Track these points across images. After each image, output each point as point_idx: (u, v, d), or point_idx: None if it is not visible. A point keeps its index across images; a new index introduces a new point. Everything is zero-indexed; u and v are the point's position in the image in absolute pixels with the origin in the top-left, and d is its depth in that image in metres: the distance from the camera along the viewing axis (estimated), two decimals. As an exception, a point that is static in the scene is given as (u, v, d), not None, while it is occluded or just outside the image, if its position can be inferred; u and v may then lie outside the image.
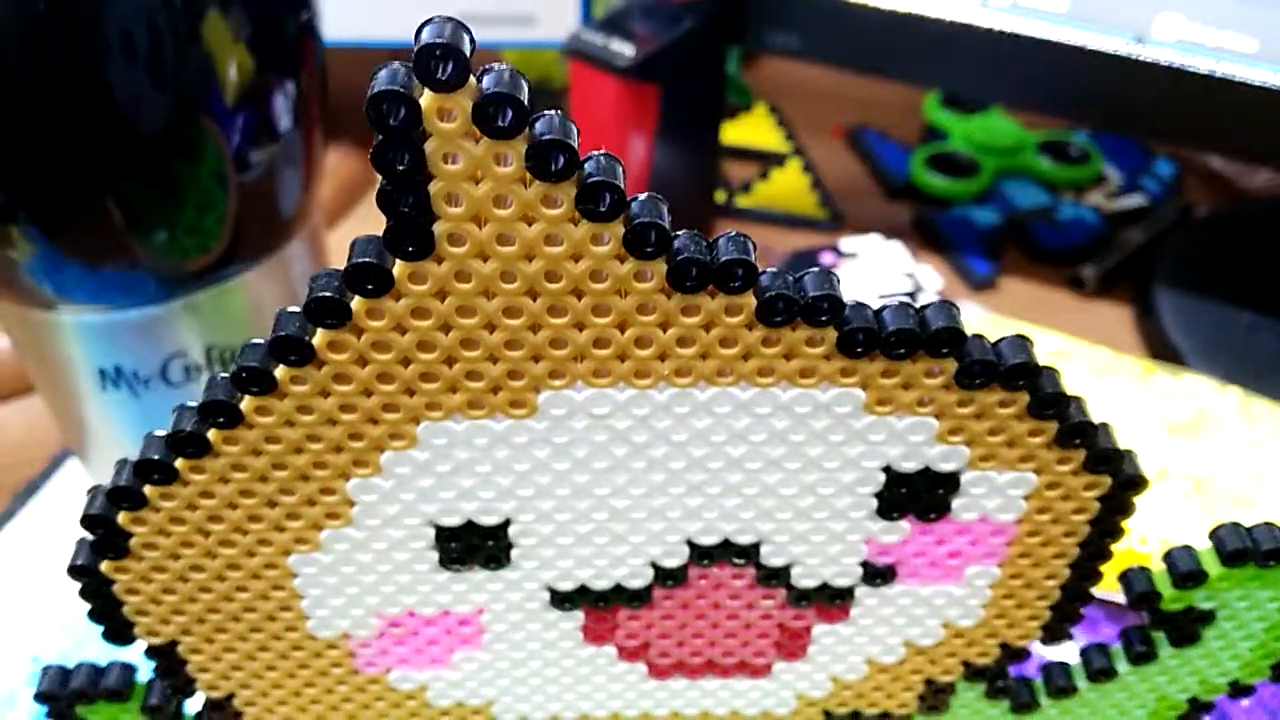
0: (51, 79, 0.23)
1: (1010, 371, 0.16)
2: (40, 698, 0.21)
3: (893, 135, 0.57)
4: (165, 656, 0.20)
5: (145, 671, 0.21)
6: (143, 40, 0.23)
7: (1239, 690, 0.22)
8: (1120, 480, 0.18)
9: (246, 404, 0.16)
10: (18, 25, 0.22)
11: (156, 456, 0.17)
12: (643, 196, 0.14)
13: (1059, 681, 0.22)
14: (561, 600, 0.20)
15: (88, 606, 0.19)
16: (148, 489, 0.17)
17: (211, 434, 0.16)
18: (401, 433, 0.17)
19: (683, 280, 0.14)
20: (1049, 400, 0.16)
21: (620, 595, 0.20)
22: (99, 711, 0.21)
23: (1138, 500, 0.18)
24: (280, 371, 0.16)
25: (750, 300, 0.15)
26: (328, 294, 0.14)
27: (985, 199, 0.53)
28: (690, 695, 0.22)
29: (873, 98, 0.60)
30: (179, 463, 0.17)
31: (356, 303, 0.15)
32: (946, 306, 0.16)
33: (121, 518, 0.17)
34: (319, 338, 0.15)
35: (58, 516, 0.36)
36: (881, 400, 0.17)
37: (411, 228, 0.14)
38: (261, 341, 0.15)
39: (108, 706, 0.21)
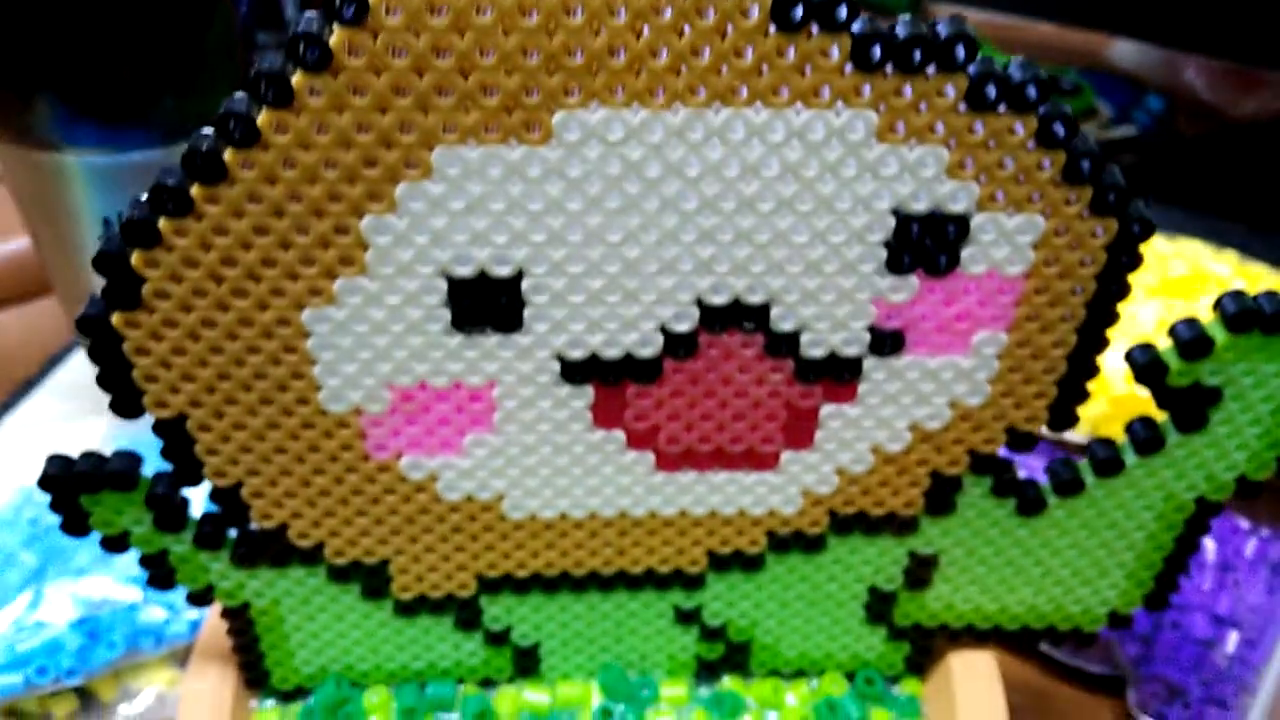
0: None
1: (1019, 87, 0.16)
2: (43, 483, 0.21)
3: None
4: (173, 433, 0.20)
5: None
6: None
7: (1247, 488, 0.22)
8: (1128, 224, 0.18)
9: (264, 118, 0.16)
10: None
11: (171, 182, 0.17)
12: None
13: (1065, 476, 0.22)
14: (572, 372, 0.20)
15: (97, 372, 0.19)
16: (162, 223, 0.17)
17: (228, 154, 0.16)
18: (417, 159, 0.17)
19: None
20: (1056, 120, 0.17)
21: (630, 368, 0.20)
22: (103, 502, 0.21)
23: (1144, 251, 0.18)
24: (297, 79, 0.16)
25: (764, -2, 0.15)
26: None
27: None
28: (698, 491, 0.22)
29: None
30: (195, 190, 0.17)
31: (373, -3, 0.15)
32: (957, 19, 0.16)
33: (135, 258, 0.17)
34: (335, 38, 0.15)
35: (62, 405, 0.36)
36: (893, 125, 0.17)
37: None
38: (280, 47, 0.15)
39: (112, 496, 0.21)
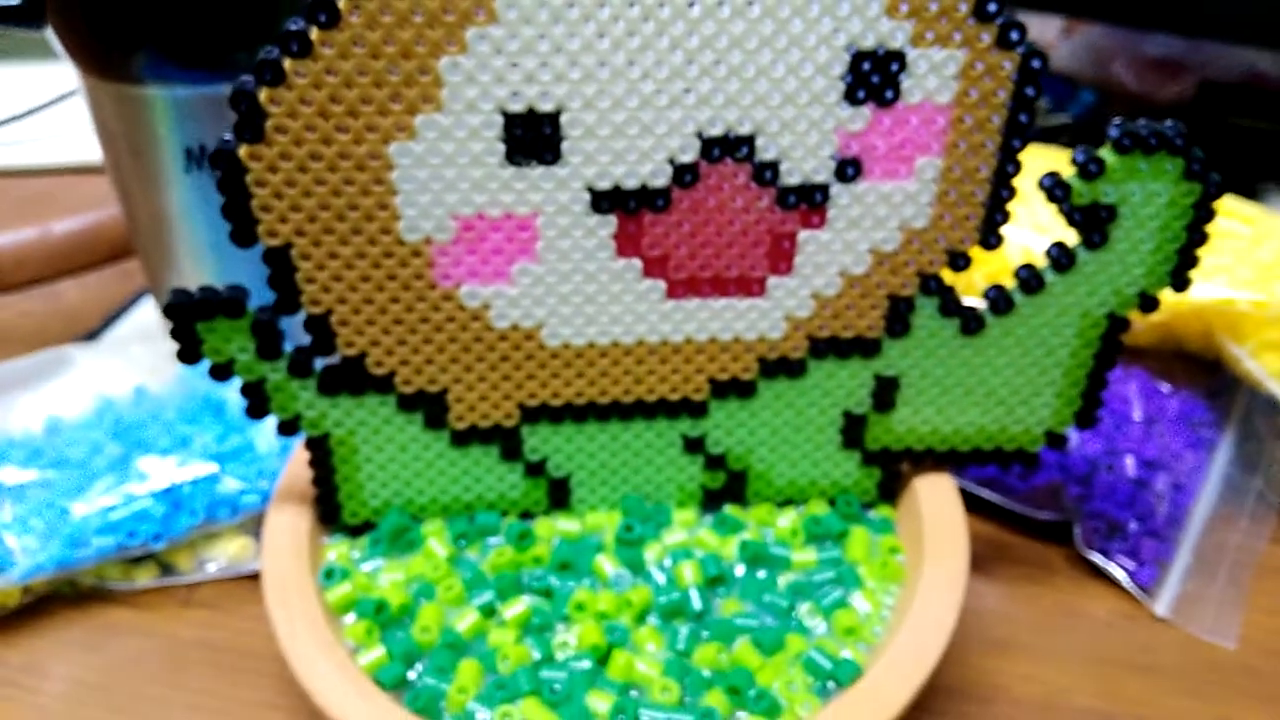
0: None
1: (936, -61, 0.22)
2: (167, 310, 0.25)
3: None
4: (279, 261, 0.25)
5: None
6: None
7: (1147, 302, 0.28)
8: (1027, 55, 0.24)
9: (371, -29, 0.21)
10: None
11: (296, 27, 0.22)
12: None
13: (996, 297, 0.28)
14: (599, 201, 0.25)
15: (223, 201, 0.24)
16: (286, 62, 0.22)
17: (341, 2, 0.22)
18: (484, 6, 0.22)
19: None
20: (966, -35, 0.22)
21: (645, 197, 0.25)
22: (215, 329, 0.26)
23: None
24: (398, -62, 0.21)
25: None
26: None
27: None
28: (700, 318, 0.27)
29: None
30: (314, 33, 0.22)
31: None
32: (887, -112, 0.22)
33: (263, 95, 0.23)
34: (429, -96, 0.21)
35: (130, 347, 0.40)
36: (843, -27, 0.22)
37: None
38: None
39: (223, 324, 0.26)
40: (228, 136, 0.23)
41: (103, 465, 0.33)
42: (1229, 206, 0.38)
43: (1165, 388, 0.36)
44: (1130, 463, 0.34)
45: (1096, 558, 0.34)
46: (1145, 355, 0.37)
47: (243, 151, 0.23)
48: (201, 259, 0.37)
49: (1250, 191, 0.50)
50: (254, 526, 0.34)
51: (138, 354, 0.37)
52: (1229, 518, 0.35)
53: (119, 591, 0.33)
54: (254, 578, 0.33)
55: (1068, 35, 0.70)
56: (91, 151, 0.55)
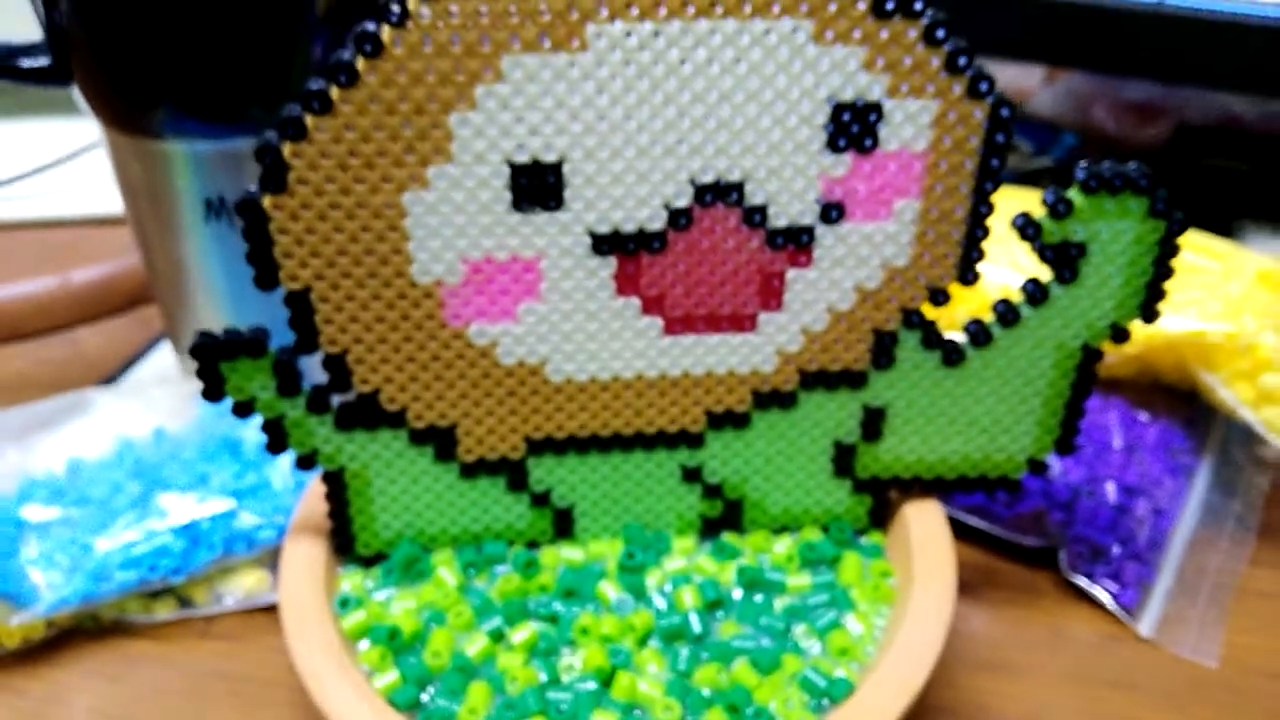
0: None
1: (906, 2, 0.24)
2: (193, 350, 0.27)
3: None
4: (299, 303, 0.27)
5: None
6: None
7: (1119, 333, 0.29)
8: (996, 104, 0.25)
9: (386, 34, 0.23)
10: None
11: (317, 87, 0.24)
12: None
13: (976, 331, 0.29)
14: (600, 244, 0.27)
15: (247, 248, 0.26)
16: (308, 118, 0.24)
17: (360, 63, 0.23)
18: (492, 67, 0.24)
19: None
20: (939, 26, 0.24)
21: (643, 239, 0.27)
22: (238, 368, 0.27)
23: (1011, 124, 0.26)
24: (412, 3, 0.23)
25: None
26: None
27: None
28: (696, 353, 0.29)
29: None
30: (334, 92, 0.24)
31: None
32: (862, -45, 0.23)
33: (286, 149, 0.24)
34: (441, -25, 0.22)
35: (149, 390, 0.42)
36: (824, 32, 0.24)
37: None
38: (401, -17, 0.23)
39: (246, 363, 0.27)
40: (252, 187, 0.25)
41: (124, 503, 0.35)
42: (1200, 243, 0.40)
43: (1144, 417, 0.38)
44: (1111, 489, 0.35)
45: (1081, 581, 0.35)
46: (1124, 386, 0.38)
47: (267, 201, 0.25)
48: (218, 305, 0.38)
49: (1225, 229, 0.52)
50: (269, 560, 0.35)
51: (157, 397, 0.39)
52: (1209, 541, 0.37)
53: (139, 624, 0.34)
54: (270, 610, 0.35)
55: (1049, 82, 0.72)
56: (110, 203, 0.57)
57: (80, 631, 0.34)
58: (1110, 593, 0.35)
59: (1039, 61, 0.64)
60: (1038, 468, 0.32)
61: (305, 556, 0.30)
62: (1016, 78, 0.75)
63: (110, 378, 0.45)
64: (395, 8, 0.23)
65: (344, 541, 0.31)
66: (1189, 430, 0.39)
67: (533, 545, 0.32)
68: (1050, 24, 0.54)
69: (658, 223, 0.27)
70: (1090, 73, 0.66)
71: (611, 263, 0.27)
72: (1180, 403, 0.39)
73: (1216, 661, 0.33)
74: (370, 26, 0.23)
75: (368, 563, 0.31)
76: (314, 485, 0.32)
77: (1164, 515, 0.36)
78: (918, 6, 0.24)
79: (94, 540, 0.33)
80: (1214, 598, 0.35)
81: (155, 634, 0.34)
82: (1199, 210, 0.49)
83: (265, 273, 0.26)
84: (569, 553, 0.32)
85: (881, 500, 0.32)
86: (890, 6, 0.24)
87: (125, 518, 0.34)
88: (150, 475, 0.36)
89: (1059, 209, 0.27)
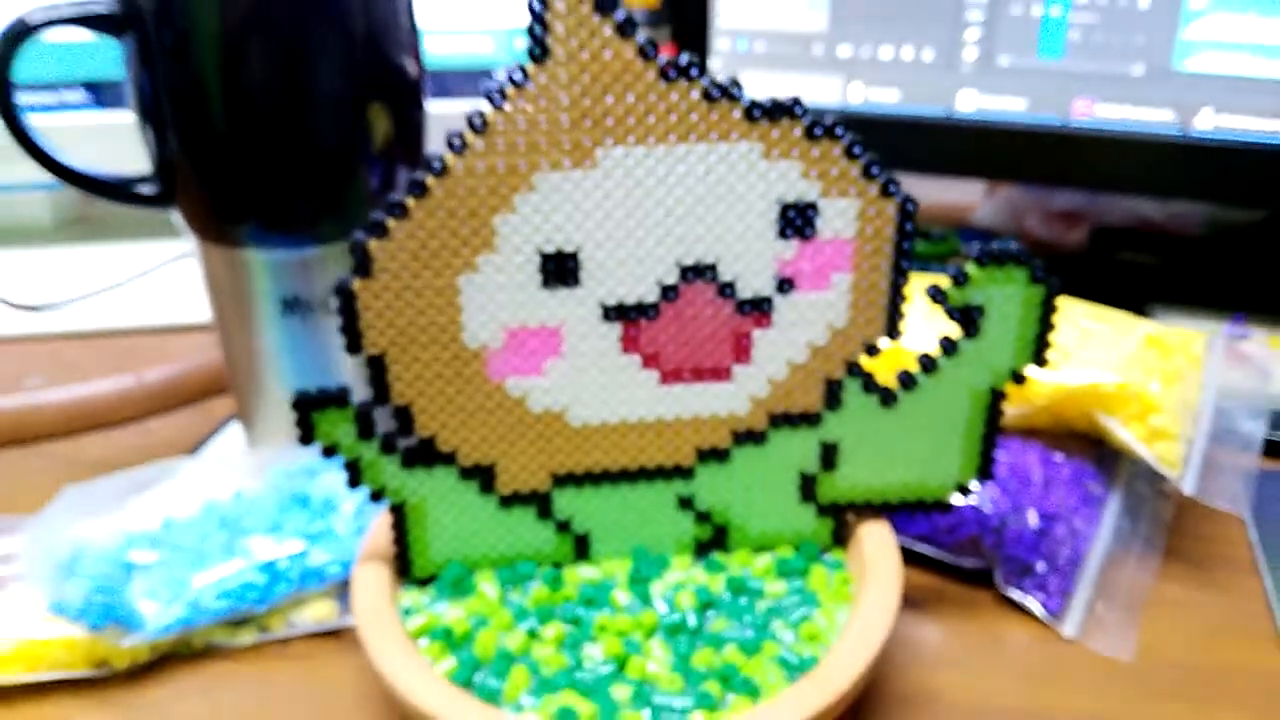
0: (282, 137, 0.41)
1: (832, 128, 0.33)
2: (294, 404, 0.35)
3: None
4: (377, 367, 0.35)
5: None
6: (331, 114, 0.41)
7: (1018, 378, 0.37)
8: (902, 203, 0.34)
9: (449, 158, 0.32)
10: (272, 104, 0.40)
11: (396, 198, 0.32)
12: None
13: (904, 377, 0.37)
14: (608, 313, 0.35)
15: (340, 324, 0.34)
16: (389, 221, 0.32)
17: (429, 179, 0.32)
18: (526, 181, 0.32)
19: (666, 74, 0.31)
20: (855, 145, 0.33)
21: (641, 310, 0.35)
22: (326, 417, 0.35)
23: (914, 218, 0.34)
24: (468, 134, 0.31)
25: (699, 85, 0.31)
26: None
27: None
28: (685, 399, 0.37)
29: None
30: (410, 201, 0.32)
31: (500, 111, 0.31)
32: (795, 97, 0.32)
33: (371, 244, 0.33)
34: (490, 113, 0.31)
35: (227, 458, 0.49)
36: (770, 151, 0.33)
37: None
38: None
39: (333, 412, 0.35)
40: (345, 274, 0.33)
41: (214, 547, 0.42)
42: (1098, 312, 0.49)
43: (1059, 457, 0.45)
44: (1033, 515, 0.43)
45: (1014, 593, 0.42)
46: (1041, 434, 0.46)
47: (356, 284, 0.33)
48: (287, 388, 0.46)
49: (1140, 313, 0.60)
50: (336, 592, 0.42)
51: (234, 463, 0.46)
52: (1121, 559, 0.44)
53: (226, 648, 0.41)
54: (336, 634, 0.41)
55: (990, 195, 0.82)
56: (178, 314, 0.66)
57: (177, 655, 0.41)
58: (1039, 601, 0.42)
59: (977, 177, 0.74)
60: (963, 491, 0.39)
61: (373, 578, 0.37)
62: (963, 194, 0.85)
63: (189, 453, 0.52)
64: (455, 141, 0.31)
65: (403, 565, 0.38)
66: (1099, 467, 0.46)
67: (557, 565, 0.39)
68: (986, 145, 0.63)
69: (652, 296, 0.35)
70: (1022, 185, 0.76)
71: (618, 328, 0.35)
72: (1090, 446, 0.46)
73: (1131, 656, 0.40)
74: (436, 151, 0.32)
75: (422, 583, 0.38)
76: (373, 526, 0.39)
77: (1080, 537, 0.43)
78: (838, 132, 0.33)
79: (190, 576, 0.40)
80: (1127, 604, 0.42)
81: (240, 656, 0.41)
82: (1117, 297, 0.58)
83: (352, 340, 0.34)
84: (587, 571, 0.39)
85: (841, 522, 0.40)
86: (818, 132, 0.33)
87: (216, 558, 0.41)
88: (234, 526, 0.43)
89: (959, 279, 0.35)
